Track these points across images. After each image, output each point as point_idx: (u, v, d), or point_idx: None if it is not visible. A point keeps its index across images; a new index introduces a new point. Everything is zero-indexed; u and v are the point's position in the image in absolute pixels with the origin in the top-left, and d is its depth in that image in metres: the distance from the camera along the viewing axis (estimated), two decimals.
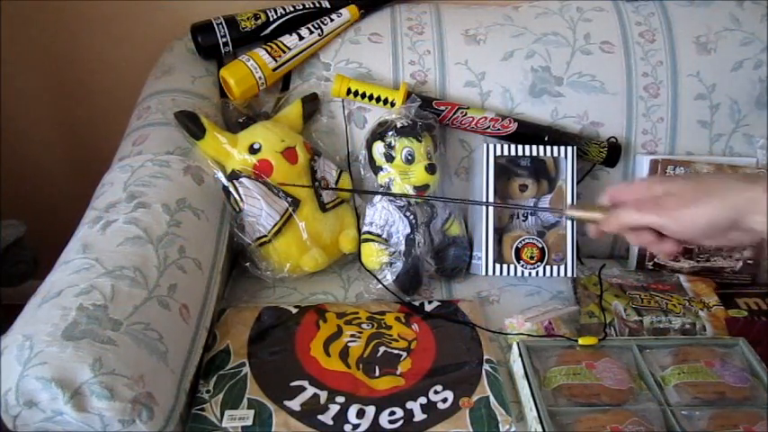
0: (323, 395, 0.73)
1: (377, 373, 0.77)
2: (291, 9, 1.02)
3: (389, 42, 1.03)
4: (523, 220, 1.00)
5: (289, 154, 0.92)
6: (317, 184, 0.95)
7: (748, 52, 1.01)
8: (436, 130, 0.97)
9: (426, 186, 0.94)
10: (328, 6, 1.03)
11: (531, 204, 1.00)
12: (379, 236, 0.95)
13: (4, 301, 1.09)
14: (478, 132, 1.00)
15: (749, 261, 0.99)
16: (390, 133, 0.93)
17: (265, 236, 0.91)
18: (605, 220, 0.60)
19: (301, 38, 0.99)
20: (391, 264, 0.93)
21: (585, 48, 1.02)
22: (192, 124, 0.89)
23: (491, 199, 0.94)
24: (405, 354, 0.80)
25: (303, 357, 0.79)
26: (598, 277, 0.93)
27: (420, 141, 0.93)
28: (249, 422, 0.69)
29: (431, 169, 0.93)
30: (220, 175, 0.90)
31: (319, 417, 0.71)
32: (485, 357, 0.80)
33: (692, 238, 0.56)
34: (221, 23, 0.99)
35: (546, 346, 0.80)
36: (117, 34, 1.16)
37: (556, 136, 0.99)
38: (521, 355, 0.77)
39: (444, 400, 0.73)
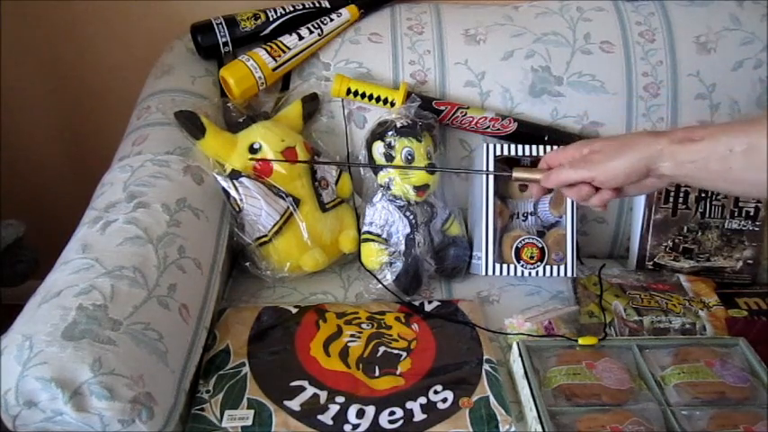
0: (323, 395, 0.73)
1: (377, 373, 0.77)
2: (291, 9, 1.02)
3: (389, 42, 1.03)
4: (523, 220, 1.00)
5: (289, 154, 0.92)
6: (316, 183, 0.95)
7: (748, 52, 1.01)
8: (436, 129, 0.97)
9: (426, 186, 0.94)
10: (328, 6, 1.03)
11: (531, 204, 1.00)
12: (378, 236, 0.95)
13: (4, 301, 1.10)
14: (478, 132, 1.00)
15: (749, 261, 0.99)
16: (390, 133, 0.93)
17: (265, 235, 0.91)
18: (545, 178, 0.72)
19: (301, 38, 0.99)
20: (391, 264, 0.93)
21: (585, 47, 1.02)
22: (191, 124, 0.89)
23: (491, 200, 0.94)
24: (405, 354, 0.80)
25: (303, 357, 0.79)
26: (598, 277, 0.93)
27: (420, 141, 0.93)
28: (249, 422, 0.69)
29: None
30: (220, 176, 0.90)
31: (319, 417, 0.71)
32: (485, 357, 0.80)
33: (618, 185, 0.67)
34: (221, 23, 0.99)
35: (546, 346, 0.80)
36: (117, 34, 1.16)
37: (556, 136, 0.99)
38: (521, 355, 0.77)
39: (444, 400, 0.73)
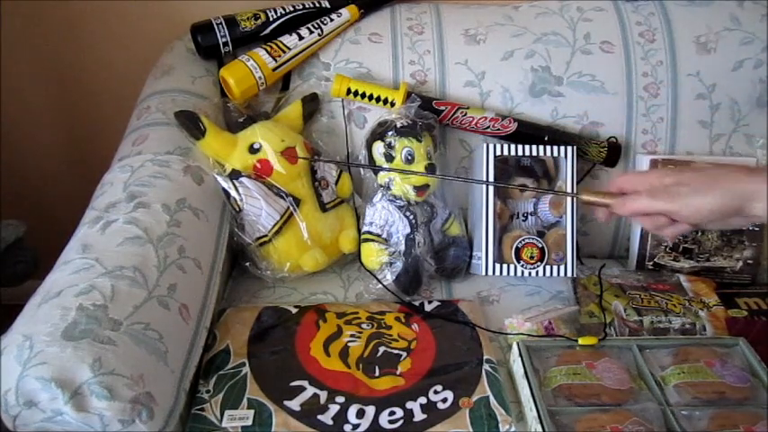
0: (323, 395, 0.73)
1: (377, 373, 0.77)
2: (291, 9, 1.02)
3: (389, 42, 1.03)
4: (523, 220, 1.00)
5: (289, 154, 0.92)
6: (316, 183, 0.95)
7: (748, 52, 1.01)
8: (436, 129, 0.97)
9: (426, 186, 0.94)
10: (328, 6, 1.03)
11: (532, 205, 1.00)
12: (378, 236, 0.95)
13: (4, 301, 1.09)
14: (478, 132, 1.00)
15: (749, 261, 0.99)
16: (390, 133, 0.93)
17: (265, 235, 0.91)
18: (618, 204, 0.67)
19: (301, 38, 0.99)
20: (391, 264, 0.93)
21: (585, 48, 1.02)
22: (191, 124, 0.89)
23: (491, 200, 0.94)
24: (405, 354, 0.80)
25: (303, 357, 0.79)
26: (598, 277, 0.93)
27: (420, 141, 0.93)
28: (249, 422, 0.69)
29: (431, 169, 0.93)
30: (220, 177, 0.90)
31: (319, 417, 0.71)
32: (485, 357, 0.80)
33: (698, 222, 0.63)
34: (221, 23, 0.99)
35: (546, 346, 0.80)
36: (117, 34, 1.16)
37: (556, 136, 0.99)
38: (521, 355, 0.77)
39: (444, 400, 0.73)
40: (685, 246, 1.00)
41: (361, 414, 0.71)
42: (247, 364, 0.77)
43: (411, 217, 0.94)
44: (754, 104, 1.02)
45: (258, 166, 0.91)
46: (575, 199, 0.84)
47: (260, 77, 0.96)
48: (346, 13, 1.02)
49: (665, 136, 1.02)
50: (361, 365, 0.78)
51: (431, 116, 0.96)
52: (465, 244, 0.99)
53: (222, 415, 0.70)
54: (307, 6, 1.03)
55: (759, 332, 0.85)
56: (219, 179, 0.90)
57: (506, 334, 0.85)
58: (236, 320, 0.84)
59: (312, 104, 1.00)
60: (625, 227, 1.07)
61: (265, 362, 0.78)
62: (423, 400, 0.73)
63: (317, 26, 1.00)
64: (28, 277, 1.09)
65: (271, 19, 1.01)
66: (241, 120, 0.95)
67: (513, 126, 0.98)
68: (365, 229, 0.96)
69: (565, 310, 0.88)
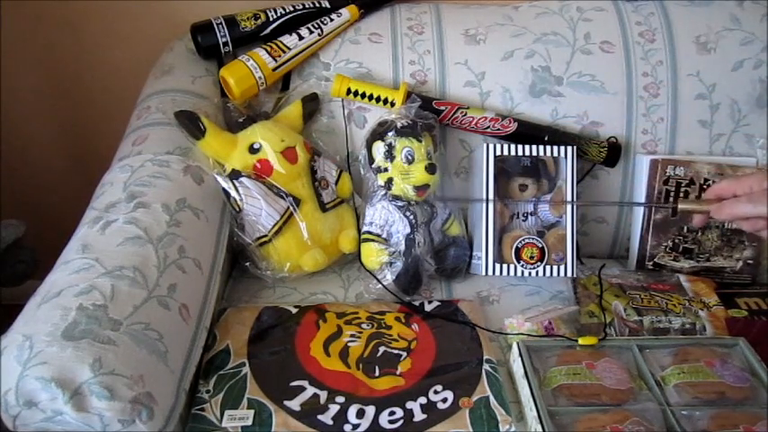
0: (323, 395, 0.73)
1: (377, 373, 0.77)
2: (291, 9, 1.02)
3: (389, 42, 1.03)
4: (523, 220, 1.00)
5: (289, 154, 0.92)
6: (316, 183, 0.95)
7: (748, 52, 1.01)
8: (436, 130, 0.97)
9: (426, 186, 0.94)
10: (328, 6, 1.03)
11: (532, 205, 1.00)
12: (378, 236, 0.95)
13: (4, 301, 1.10)
14: (478, 132, 1.00)
15: (749, 261, 0.99)
16: (390, 133, 0.93)
17: (265, 235, 0.91)
18: (717, 210, 0.69)
19: (301, 38, 0.99)
20: (391, 264, 0.93)
21: (585, 48, 1.02)
22: (192, 124, 0.89)
23: (491, 197, 0.93)
24: (405, 354, 0.80)
25: (303, 357, 0.79)
26: (598, 277, 0.93)
27: (420, 141, 0.93)
28: (249, 422, 0.69)
29: (431, 169, 0.93)
30: (219, 177, 0.90)
31: (319, 417, 0.71)
32: (485, 357, 0.80)
33: None
34: (221, 23, 0.99)
35: (546, 346, 0.80)
36: (117, 34, 1.16)
37: (556, 136, 0.99)
38: (521, 354, 0.77)
39: (444, 400, 0.73)
40: (685, 246, 1.00)
41: (361, 414, 0.71)
42: (247, 364, 0.77)
43: (411, 217, 0.94)
44: (754, 104, 1.02)
45: (258, 166, 0.91)
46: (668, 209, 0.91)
47: (260, 77, 0.96)
48: (346, 13, 1.02)
49: (665, 136, 1.02)
50: (361, 365, 0.78)
51: (431, 116, 0.96)
52: (465, 244, 0.99)
53: (222, 415, 0.70)
54: (307, 6, 1.03)
55: (759, 332, 0.85)
56: (219, 179, 0.90)
57: (506, 334, 0.85)
58: (236, 320, 0.84)
59: (312, 104, 1.00)
60: (625, 227, 1.07)
61: (265, 362, 0.78)
62: (423, 400, 0.73)
63: (316, 26, 1.00)
64: (28, 277, 1.09)
65: (271, 19, 1.01)
66: (241, 120, 0.95)
67: (513, 126, 0.99)
68: (365, 229, 0.96)
69: (565, 310, 0.88)
